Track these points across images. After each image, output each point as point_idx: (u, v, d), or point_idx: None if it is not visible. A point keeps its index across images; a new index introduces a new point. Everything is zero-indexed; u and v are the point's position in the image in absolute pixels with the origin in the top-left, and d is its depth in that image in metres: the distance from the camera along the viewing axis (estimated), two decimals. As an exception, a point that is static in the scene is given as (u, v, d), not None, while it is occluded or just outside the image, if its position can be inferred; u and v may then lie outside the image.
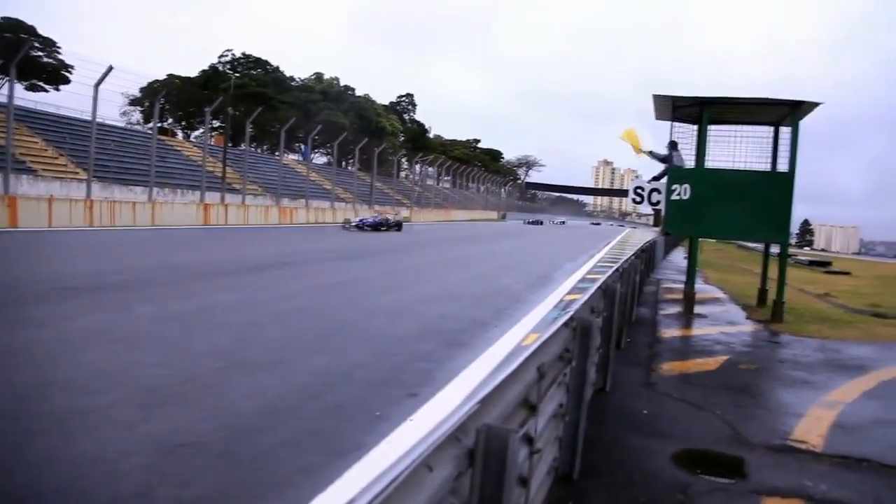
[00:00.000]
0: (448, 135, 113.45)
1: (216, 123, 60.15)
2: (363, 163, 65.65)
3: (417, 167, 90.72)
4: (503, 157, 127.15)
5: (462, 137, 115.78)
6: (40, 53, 50.47)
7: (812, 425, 5.21)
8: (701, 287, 14.38)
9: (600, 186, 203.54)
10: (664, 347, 8.25)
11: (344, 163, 72.36)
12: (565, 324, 3.51)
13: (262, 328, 8.00)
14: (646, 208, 12.21)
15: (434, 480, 1.58)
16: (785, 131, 11.43)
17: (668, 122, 11.70)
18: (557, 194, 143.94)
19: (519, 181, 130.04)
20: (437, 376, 6.09)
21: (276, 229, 33.28)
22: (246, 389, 5.40)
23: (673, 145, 11.58)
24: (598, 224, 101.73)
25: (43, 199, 24.67)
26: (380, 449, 4.15)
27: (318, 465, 3.94)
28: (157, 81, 55.28)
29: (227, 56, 75.97)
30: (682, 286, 12.66)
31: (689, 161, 11.50)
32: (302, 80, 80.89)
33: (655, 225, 16.07)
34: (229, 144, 46.35)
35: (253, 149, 61.97)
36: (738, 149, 11.47)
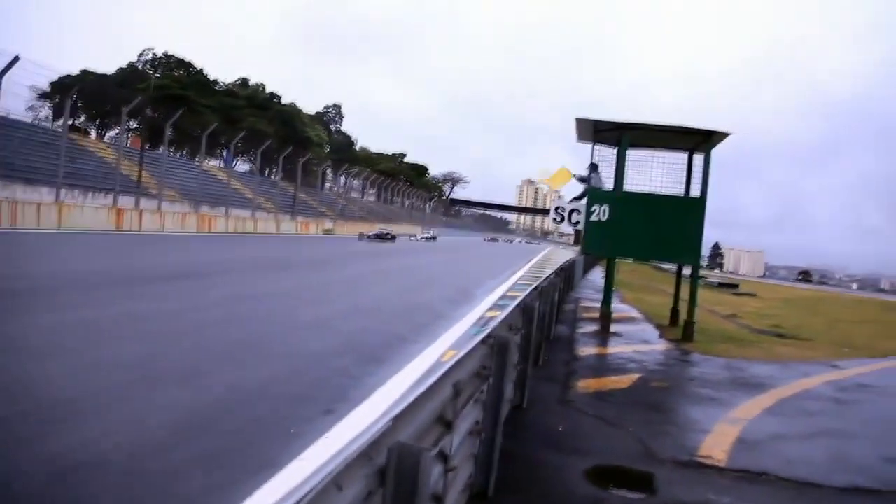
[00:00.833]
0: (375, 147, 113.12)
1: (133, 124, 57.89)
2: (287, 173, 64.53)
3: (343, 179, 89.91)
4: (429, 173, 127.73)
5: (389, 151, 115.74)
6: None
7: (717, 441, 5.43)
8: (617, 306, 14.82)
9: (524, 205, 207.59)
10: (581, 365, 8.43)
11: (267, 172, 70.90)
12: (483, 341, 3.52)
13: (175, 340, 7.67)
14: (567, 227, 12.53)
15: (343, 500, 1.54)
16: (698, 158, 11.98)
17: (590, 145, 12.06)
18: (481, 211, 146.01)
19: (444, 197, 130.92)
20: (354, 393, 6.00)
21: (193, 237, 32.18)
22: (155, 404, 5.15)
23: (593, 167, 11.93)
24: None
25: (-64, 196, 22.99)
26: (293, 467, 4.03)
27: (227, 483, 3.79)
28: (69, 76, 52.77)
29: (147, 55, 73.21)
30: (599, 305, 13.00)
31: (610, 183, 11.87)
32: (226, 85, 78.85)
33: (576, 244, 16.50)
34: (147, 147, 44.58)
35: (172, 153, 59.85)
36: (655, 173, 11.96)
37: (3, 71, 27.09)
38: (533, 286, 7.31)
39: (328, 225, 61.73)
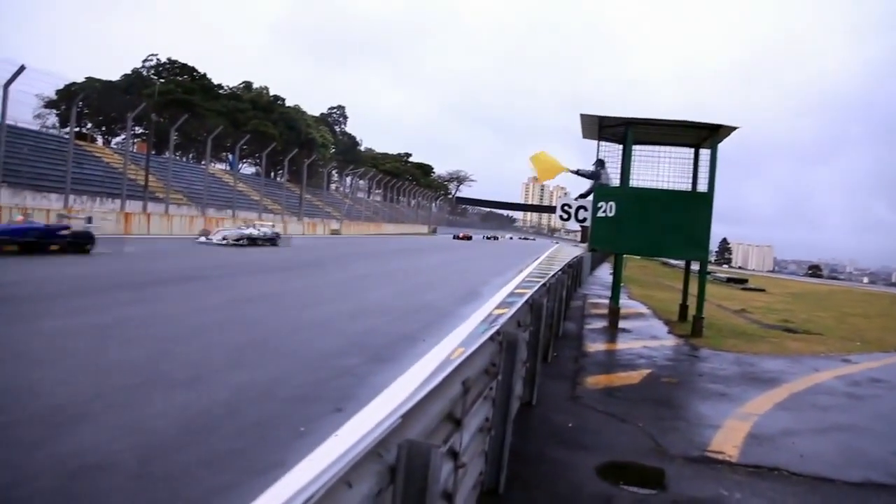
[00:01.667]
0: (379, 148, 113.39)
1: (139, 130, 58.12)
2: (293, 174, 64.64)
3: (348, 180, 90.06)
4: (434, 172, 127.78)
5: (393, 151, 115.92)
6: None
7: (728, 436, 5.39)
8: (625, 302, 14.79)
9: (530, 202, 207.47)
10: (590, 361, 8.40)
11: (273, 174, 71.04)
12: (491, 338, 3.50)
13: (181, 342, 7.68)
14: (573, 225, 12.48)
15: (353, 497, 1.52)
16: (704, 153, 11.92)
17: (595, 142, 12.02)
18: (488, 209, 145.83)
19: (450, 196, 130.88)
20: (362, 391, 5.99)
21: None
22: (162, 406, 5.15)
23: (600, 163, 11.90)
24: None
25: (-55, 204, 23.14)
26: (302, 466, 4.03)
27: (236, 485, 3.79)
28: (75, 84, 53.02)
29: (151, 60, 73.48)
30: (607, 301, 12.96)
31: (616, 179, 11.83)
32: (230, 89, 79.11)
33: (583, 241, 16.46)
34: (153, 152, 44.72)
35: (178, 157, 60.09)
36: (661, 169, 11.91)
37: (9, 80, 27.24)
38: (541, 282, 7.28)
39: (335, 225, 61.83)
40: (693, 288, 12.53)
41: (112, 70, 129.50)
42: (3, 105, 27.75)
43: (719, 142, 11.14)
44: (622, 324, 11.58)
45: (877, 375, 8.80)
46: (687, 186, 12.09)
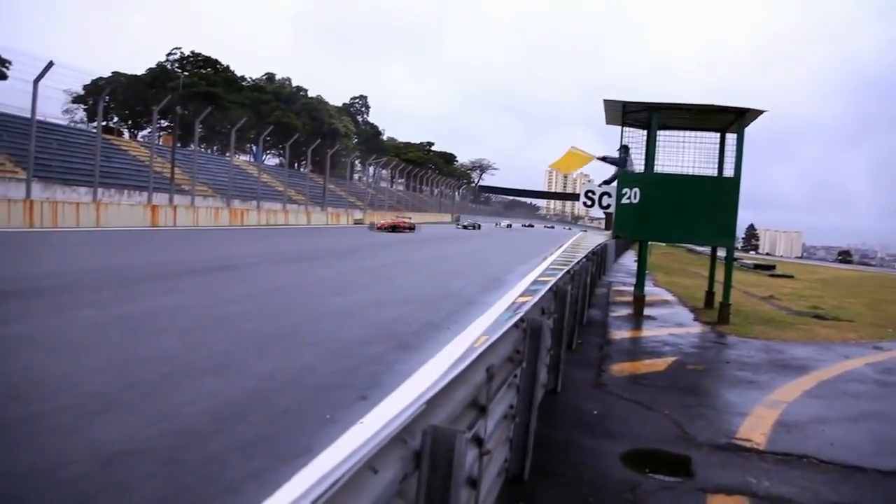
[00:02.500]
0: (402, 137, 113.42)
1: (164, 123, 58.78)
2: (316, 165, 64.97)
3: (371, 169, 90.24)
4: (457, 161, 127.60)
5: (416, 140, 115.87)
6: (-27, 47, 48.33)
7: (756, 424, 5.35)
8: (650, 290, 14.67)
9: (553, 190, 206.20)
10: (614, 349, 8.37)
11: (297, 165, 71.46)
12: (515, 325, 3.50)
13: (209, 332, 7.80)
14: (597, 212, 12.40)
15: (379, 482, 1.54)
16: (731, 138, 11.73)
17: (619, 127, 11.90)
18: (511, 198, 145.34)
19: (472, 184, 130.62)
20: (388, 379, 6.04)
21: (226, 231, 32.62)
22: (192, 394, 5.25)
23: (625, 149, 11.78)
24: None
25: (-22, 199, 23.64)
26: (329, 453, 4.08)
27: (265, 471, 3.85)
28: (101, 79, 53.70)
29: (175, 54, 74.22)
30: (632, 289, 12.87)
31: (640, 165, 11.71)
32: (253, 81, 79.63)
33: (607, 228, 16.34)
34: (178, 144, 45.23)
35: (203, 149, 60.65)
36: (686, 154, 11.76)
37: (38, 77, 27.65)
38: (565, 270, 7.26)
39: (358, 215, 62.07)
40: (719, 275, 12.39)
41: (137, 64, 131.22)
42: (33, 101, 28.19)
43: (746, 126, 10.96)
44: (647, 311, 11.50)
45: (909, 362, 8.65)
46: (712, 172, 11.92)
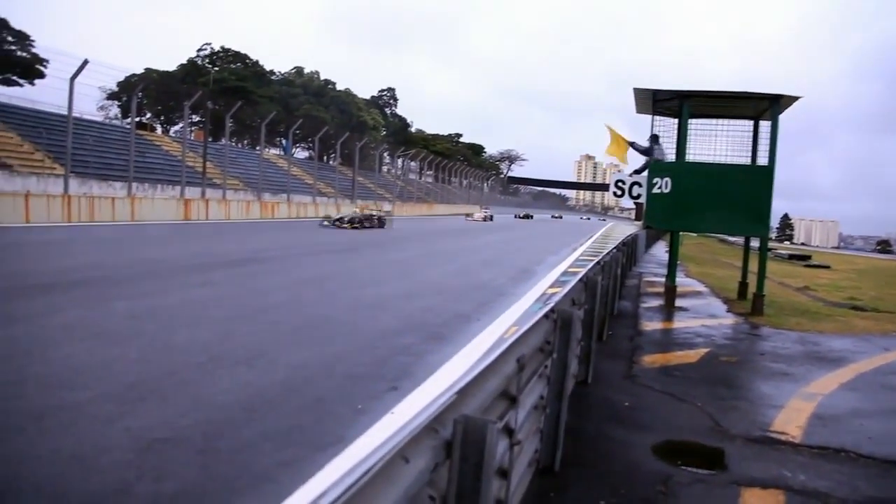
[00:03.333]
0: (430, 129, 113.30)
1: (196, 118, 59.58)
2: (345, 157, 65.31)
3: (400, 161, 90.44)
4: (485, 152, 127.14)
5: (444, 132, 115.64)
6: (13, 47, 49.47)
7: (791, 417, 5.26)
8: (682, 280, 14.49)
9: (582, 181, 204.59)
10: (646, 340, 8.29)
11: (326, 157, 71.94)
12: (545, 315, 3.49)
13: (242, 323, 7.92)
14: (627, 202, 12.28)
15: (410, 472, 1.55)
16: (764, 125, 11.51)
17: (649, 116, 11.75)
18: (540, 188, 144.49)
19: (501, 175, 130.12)
20: (419, 370, 6.07)
21: (257, 224, 33.00)
22: (226, 384, 5.34)
23: (654, 139, 11.63)
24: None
25: (19, 194, 24.24)
26: (360, 442, 4.12)
27: (297, 459, 3.90)
28: (134, 75, 54.67)
29: (205, 50, 75.15)
30: (663, 280, 12.73)
31: (671, 155, 11.55)
32: (282, 75, 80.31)
33: (637, 219, 16.15)
34: (209, 139, 45.84)
35: (233, 143, 61.43)
36: (718, 143, 11.57)
37: (74, 75, 28.22)
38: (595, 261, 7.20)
39: (387, 207, 62.28)
40: (753, 265, 12.18)
41: (169, 61, 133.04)
42: (70, 98, 28.81)
43: (780, 112, 10.73)
44: (679, 302, 11.37)
45: (951, 354, 8.41)
46: (745, 161, 11.71)
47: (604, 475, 3.94)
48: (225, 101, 51.58)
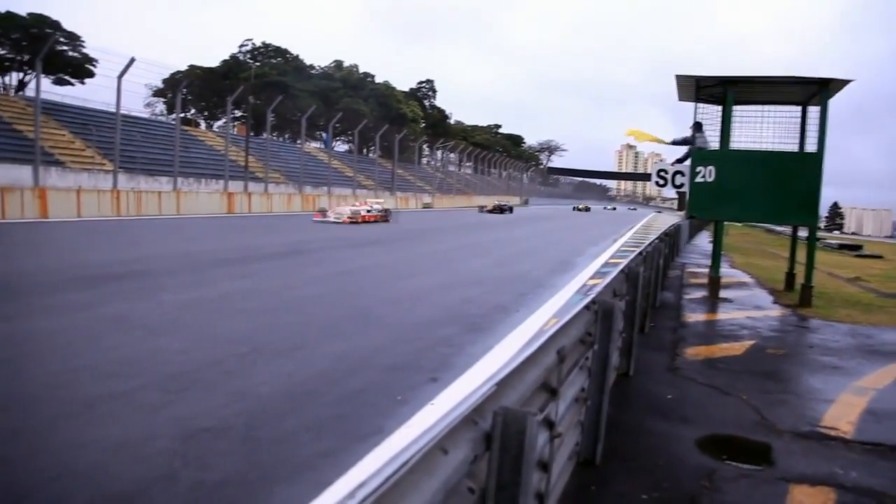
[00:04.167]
0: (469, 121, 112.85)
1: (238, 113, 60.56)
2: (384, 150, 65.66)
3: (439, 153, 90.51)
4: (524, 143, 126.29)
5: (483, 123, 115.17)
6: (65, 48, 50.90)
7: (842, 412, 5.09)
8: (727, 271, 14.17)
9: (623, 170, 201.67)
10: (689, 332, 8.13)
11: (365, 150, 72.42)
12: (587, 307, 3.44)
13: (282, 314, 8.03)
14: (670, 192, 12.07)
15: (449, 463, 1.53)
16: (812, 111, 11.14)
17: (692, 104, 11.48)
18: (580, 179, 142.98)
19: (541, 166, 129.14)
20: (458, 361, 6.07)
21: (298, 216, 33.43)
22: (267, 375, 5.42)
23: (697, 126, 11.36)
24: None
25: (71, 190, 25.08)
26: (400, 433, 4.14)
27: (337, 450, 3.93)
28: (179, 72, 55.71)
29: (247, 45, 76.16)
30: (707, 270, 12.47)
31: (714, 143, 11.28)
32: (321, 68, 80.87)
33: (680, 209, 15.86)
34: (251, 133, 46.59)
35: (275, 137, 62.25)
36: (763, 130, 11.23)
37: (122, 72, 28.96)
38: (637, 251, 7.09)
39: (427, 199, 62.45)
40: (801, 256, 11.84)
41: (212, 57, 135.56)
42: (118, 96, 29.61)
43: (830, 97, 10.36)
44: (723, 293, 11.12)
45: None
46: (791, 148, 11.35)
47: (646, 469, 3.88)
48: (266, 96, 52.30)
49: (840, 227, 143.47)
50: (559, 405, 2.79)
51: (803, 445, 4.36)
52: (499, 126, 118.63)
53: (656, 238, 10.24)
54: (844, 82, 10.18)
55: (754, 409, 5.04)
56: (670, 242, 13.80)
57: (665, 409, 5.04)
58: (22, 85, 49.86)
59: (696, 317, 9.24)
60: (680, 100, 11.72)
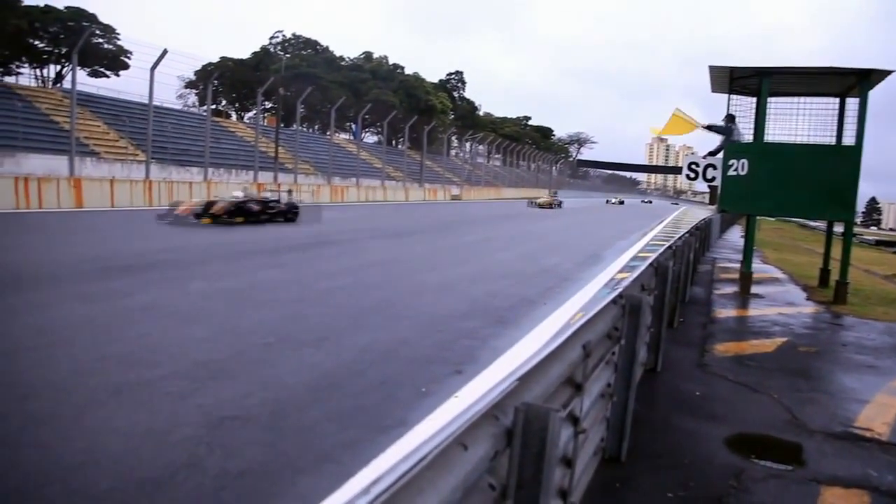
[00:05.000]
0: (498, 113, 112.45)
1: (268, 104, 61.02)
2: (413, 141, 65.67)
3: (468, 145, 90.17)
4: (554, 135, 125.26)
5: (512, 115, 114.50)
6: (101, 40, 51.70)
7: (877, 412, 4.95)
8: (758, 267, 13.90)
9: (654, 163, 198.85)
10: (719, 328, 7.99)
11: (394, 141, 72.52)
12: (613, 301, 3.38)
13: (308, 305, 8.07)
14: (701, 185, 11.82)
15: (469, 459, 1.51)
16: (851, 103, 10.84)
17: (725, 96, 11.25)
18: (610, 172, 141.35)
19: (570, 159, 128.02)
20: (483, 353, 6.04)
21: (327, 207, 33.58)
22: (292, 365, 5.45)
23: (730, 118, 11.14)
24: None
25: (105, 180, 25.52)
26: (424, 425, 4.13)
27: (361, 441, 3.93)
28: (210, 64, 56.29)
29: (277, 37, 76.67)
30: (738, 266, 12.24)
31: (747, 136, 11.05)
32: (351, 60, 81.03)
33: (711, 202, 15.56)
34: (281, 125, 46.89)
35: (304, 129, 62.59)
36: (799, 122, 10.96)
37: (154, 64, 29.33)
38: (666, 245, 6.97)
39: (455, 191, 62.38)
40: (836, 252, 11.56)
41: (243, 49, 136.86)
42: (150, 87, 29.98)
43: (870, 88, 10.05)
44: (755, 289, 10.90)
45: None
46: (825, 141, 11.05)
47: (672, 467, 3.81)
48: (296, 88, 52.58)
49: (878, 223, 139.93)
50: (584, 401, 2.75)
51: (836, 446, 4.25)
52: (528, 118, 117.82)
53: (686, 232, 10.07)
54: (886, 73, 9.87)
55: (785, 408, 4.93)
56: (701, 236, 13.58)
57: (693, 406, 4.95)
58: (59, 77, 50.79)
59: (726, 312, 9.08)
60: (713, 91, 11.48)
